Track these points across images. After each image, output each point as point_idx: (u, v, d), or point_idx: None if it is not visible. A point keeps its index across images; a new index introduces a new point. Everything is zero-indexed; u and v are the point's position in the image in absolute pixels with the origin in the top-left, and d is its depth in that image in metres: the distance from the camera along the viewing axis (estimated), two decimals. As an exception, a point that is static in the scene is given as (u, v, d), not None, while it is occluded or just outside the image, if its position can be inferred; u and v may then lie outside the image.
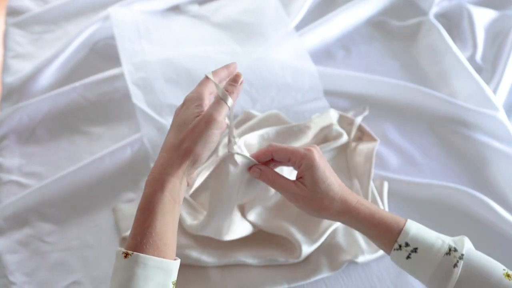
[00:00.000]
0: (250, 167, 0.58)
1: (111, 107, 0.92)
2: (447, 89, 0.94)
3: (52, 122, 0.90)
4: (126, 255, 0.46)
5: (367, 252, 0.71)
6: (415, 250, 0.52)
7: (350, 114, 0.88)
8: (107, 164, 0.82)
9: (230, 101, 0.54)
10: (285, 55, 0.96)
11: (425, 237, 0.53)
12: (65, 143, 0.88)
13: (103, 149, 0.83)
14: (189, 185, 0.53)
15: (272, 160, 0.59)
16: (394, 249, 0.53)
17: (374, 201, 0.76)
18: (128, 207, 0.78)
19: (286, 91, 0.92)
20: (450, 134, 0.87)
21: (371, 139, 0.84)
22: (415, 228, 0.54)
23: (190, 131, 0.50)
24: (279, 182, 0.57)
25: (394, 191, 0.79)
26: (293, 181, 0.57)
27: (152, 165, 0.81)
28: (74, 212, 0.79)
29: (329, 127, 0.80)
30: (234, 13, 1.06)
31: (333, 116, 0.83)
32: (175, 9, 1.09)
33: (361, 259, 0.70)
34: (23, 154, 0.86)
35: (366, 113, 0.86)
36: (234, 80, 0.55)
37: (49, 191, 0.79)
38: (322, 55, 1.01)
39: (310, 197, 0.56)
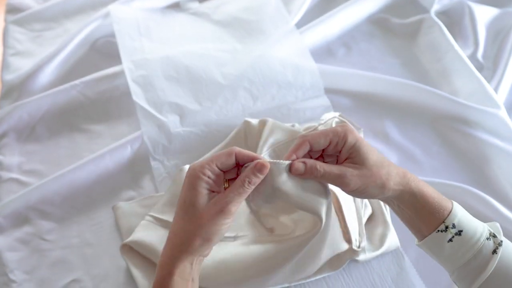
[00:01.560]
0: (290, 168, 0.50)
1: (111, 104, 0.91)
2: (448, 87, 0.93)
3: (52, 120, 0.89)
4: None
5: (368, 250, 0.70)
6: (459, 233, 0.49)
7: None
8: (107, 162, 0.81)
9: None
10: (286, 53, 0.96)
11: (470, 220, 0.50)
12: (65, 141, 0.87)
13: (103, 147, 0.83)
14: (205, 257, 0.51)
15: (309, 152, 0.52)
16: (438, 231, 0.49)
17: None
18: (128, 206, 0.77)
19: (286, 89, 0.91)
20: (451, 132, 0.87)
21: None
22: (461, 210, 0.51)
23: (200, 217, 0.47)
24: (330, 171, 0.49)
25: None
26: (343, 165, 0.51)
27: (152, 163, 0.82)
28: (74, 210, 0.78)
29: None
30: (234, 11, 1.05)
31: (333, 124, 0.78)
32: (175, 6, 1.09)
33: (362, 257, 0.69)
34: (23, 152, 0.86)
35: (361, 130, 0.82)
36: (260, 170, 0.49)
37: (49, 189, 0.78)
38: (323, 53, 1.01)
39: (369, 174, 0.49)
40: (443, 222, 0.49)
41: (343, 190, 0.51)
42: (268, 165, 0.49)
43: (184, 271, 0.48)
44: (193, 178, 0.48)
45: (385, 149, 0.85)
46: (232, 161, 0.49)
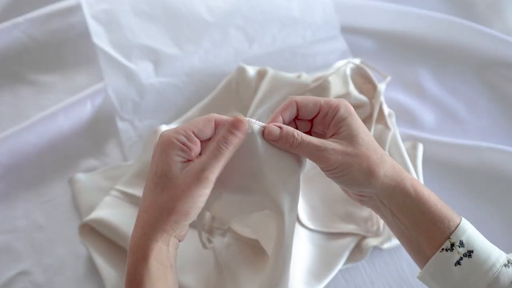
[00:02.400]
0: (263, 132, 0.52)
1: (65, 48, 0.89)
2: (500, 24, 0.93)
3: None
4: None
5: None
6: (469, 254, 0.48)
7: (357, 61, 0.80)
8: (61, 122, 0.79)
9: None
10: (291, -19, 0.88)
11: (482, 240, 0.49)
12: (6, 96, 0.86)
13: (56, 103, 0.81)
14: (181, 241, 0.53)
15: (295, 122, 0.55)
16: (443, 249, 0.48)
17: (404, 168, 0.71)
18: (89, 178, 0.76)
19: (291, 27, 0.89)
20: (503, 83, 0.86)
21: (381, 116, 0.75)
22: (471, 228, 0.49)
23: (174, 188, 0.49)
24: (309, 140, 0.51)
25: (430, 155, 0.77)
26: (327, 139, 0.52)
27: (119, 124, 0.81)
28: (19, 184, 0.77)
29: (345, 96, 0.75)
30: None
31: (347, 71, 0.77)
32: None
33: (387, 245, 0.68)
34: (-47, 110, 0.82)
35: (388, 79, 0.81)
36: (236, 126, 0.50)
37: None
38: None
39: (354, 152, 0.50)
40: (449, 238, 0.48)
41: (322, 167, 0.52)
42: (246, 121, 0.50)
43: (161, 253, 0.48)
44: (166, 144, 0.49)
45: (418, 105, 0.83)
46: (211, 128, 0.51)
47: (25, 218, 0.74)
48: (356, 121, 0.52)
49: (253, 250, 0.67)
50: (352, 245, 0.68)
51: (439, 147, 0.77)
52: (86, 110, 0.81)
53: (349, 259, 0.68)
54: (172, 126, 0.77)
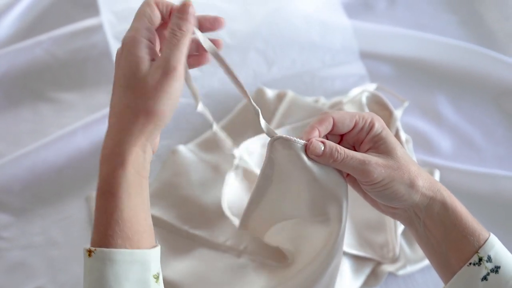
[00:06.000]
0: (306, 148, 0.51)
1: (86, 67, 0.91)
2: None
3: (11, 86, 0.88)
4: (90, 252, 0.44)
5: (410, 262, 0.70)
6: (496, 269, 0.48)
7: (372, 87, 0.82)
8: (80, 140, 0.81)
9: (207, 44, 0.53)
10: (311, 5, 0.95)
11: (510, 256, 0.49)
12: (27, 113, 0.87)
13: (76, 121, 0.82)
14: (154, 153, 0.52)
15: (327, 136, 0.54)
16: (470, 264, 0.48)
17: None
18: None
19: (311, 51, 0.91)
20: None
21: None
22: (499, 243, 0.50)
23: (145, 87, 0.48)
24: (352, 155, 0.50)
25: (446, 182, 0.72)
26: (367, 153, 0.52)
27: None
28: (37, 201, 0.78)
29: None
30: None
31: (362, 99, 0.78)
32: None
33: (402, 271, 0.69)
34: (-27, 126, 0.84)
35: (406, 104, 0.83)
36: (183, 10, 0.50)
37: (6, 173, 0.78)
38: (359, 6, 1.00)
39: (396, 165, 0.50)
40: (477, 252, 0.49)
41: (364, 182, 0.51)
42: (190, 2, 0.49)
43: (138, 161, 0.47)
44: (131, 44, 0.48)
45: (435, 131, 0.84)
46: (156, 11, 0.50)
47: (41, 235, 0.75)
48: (391, 135, 0.52)
49: (268, 270, 0.68)
50: (367, 271, 0.69)
51: (455, 174, 0.78)
52: (105, 129, 0.77)
53: (364, 284, 0.69)
54: (190, 146, 0.79)
